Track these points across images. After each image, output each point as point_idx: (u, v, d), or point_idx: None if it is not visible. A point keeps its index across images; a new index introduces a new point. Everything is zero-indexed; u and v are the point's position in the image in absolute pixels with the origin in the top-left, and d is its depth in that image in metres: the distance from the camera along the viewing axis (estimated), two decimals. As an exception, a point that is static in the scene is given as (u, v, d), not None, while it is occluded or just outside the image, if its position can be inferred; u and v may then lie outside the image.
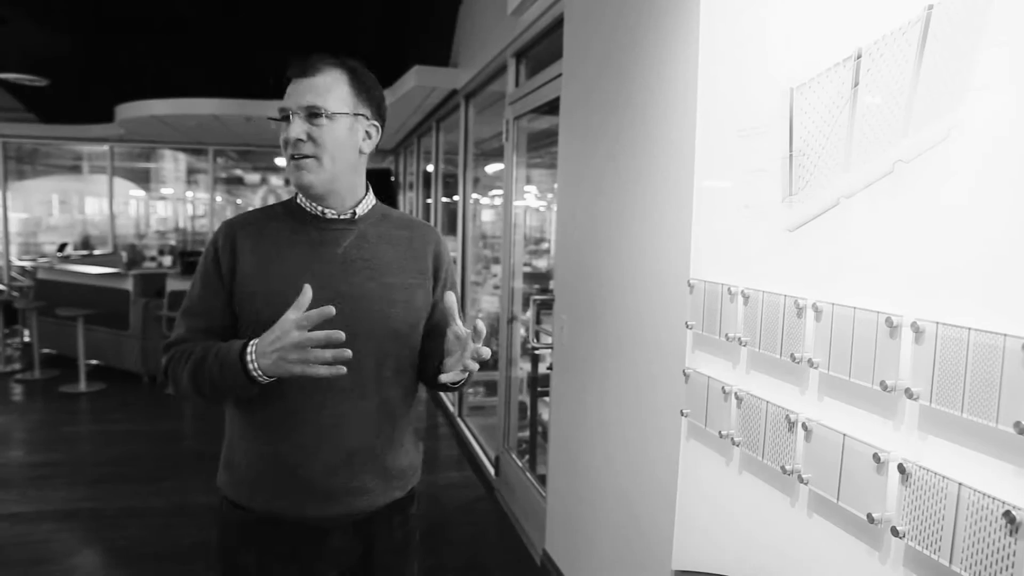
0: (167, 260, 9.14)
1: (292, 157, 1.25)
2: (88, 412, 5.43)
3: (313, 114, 1.23)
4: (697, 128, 1.63)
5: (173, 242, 11.24)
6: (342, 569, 1.37)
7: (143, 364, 6.14)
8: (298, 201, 1.34)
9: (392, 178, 7.96)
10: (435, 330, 1.41)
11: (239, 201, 11.84)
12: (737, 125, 1.45)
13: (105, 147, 9.89)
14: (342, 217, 1.33)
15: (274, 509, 1.30)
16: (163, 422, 5.15)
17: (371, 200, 1.38)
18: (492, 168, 5.36)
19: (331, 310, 1.11)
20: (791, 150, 1.28)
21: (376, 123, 1.33)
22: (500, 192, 4.16)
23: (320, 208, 1.32)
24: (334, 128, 1.25)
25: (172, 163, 11.71)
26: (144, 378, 6.17)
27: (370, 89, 1.31)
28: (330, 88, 1.25)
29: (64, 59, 7.25)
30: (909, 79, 1.03)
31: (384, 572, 1.40)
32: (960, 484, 0.92)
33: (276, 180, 12.75)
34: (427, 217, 7.16)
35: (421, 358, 1.41)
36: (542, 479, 3.30)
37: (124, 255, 8.71)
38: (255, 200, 12.39)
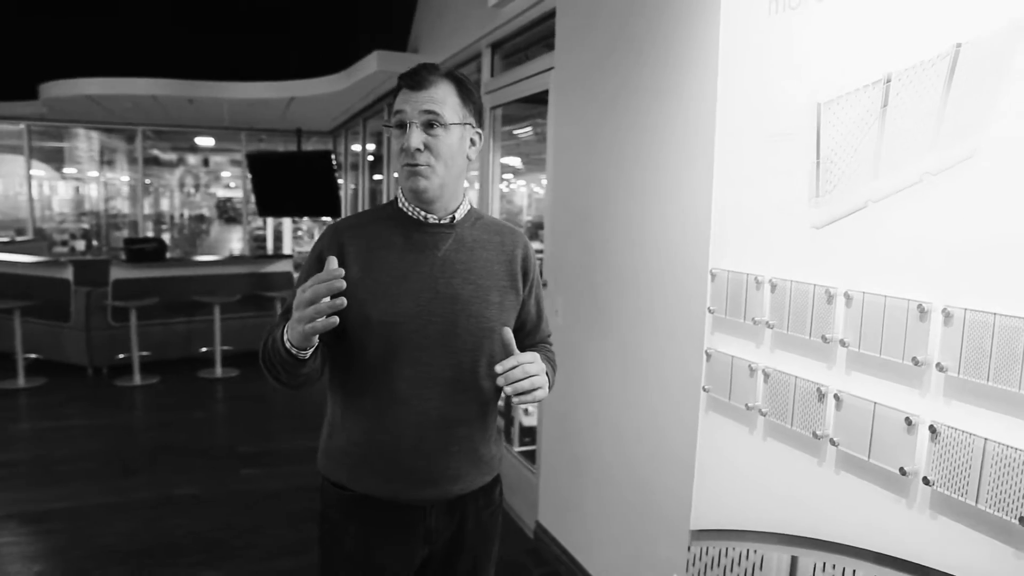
0: (80, 245, 8.60)
1: (409, 165, 1.32)
2: (34, 408, 5.22)
3: (430, 123, 1.31)
4: (716, 130, 1.78)
5: (87, 225, 10.71)
6: (435, 546, 1.47)
7: (88, 356, 5.93)
8: (400, 205, 1.41)
9: (333, 159, 7.85)
10: (522, 328, 1.54)
11: (148, 181, 11.27)
12: (760, 129, 1.61)
13: (21, 126, 9.31)
14: (442, 222, 1.41)
15: (374, 491, 1.40)
16: (119, 415, 5.02)
17: (468, 204, 1.46)
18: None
19: (340, 271, 1.12)
20: (818, 157, 1.45)
21: (479, 130, 1.42)
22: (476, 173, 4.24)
23: (423, 213, 1.39)
24: (448, 137, 1.33)
25: (85, 142, 11.12)
26: (89, 370, 5.96)
27: (474, 99, 1.40)
28: (444, 99, 1.32)
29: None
30: (936, 106, 1.21)
31: (471, 551, 1.52)
32: (986, 439, 1.12)
33: (193, 160, 12.28)
34: (376, 197, 7.13)
35: None
36: (527, 456, 3.46)
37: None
38: (172, 180, 11.96)
